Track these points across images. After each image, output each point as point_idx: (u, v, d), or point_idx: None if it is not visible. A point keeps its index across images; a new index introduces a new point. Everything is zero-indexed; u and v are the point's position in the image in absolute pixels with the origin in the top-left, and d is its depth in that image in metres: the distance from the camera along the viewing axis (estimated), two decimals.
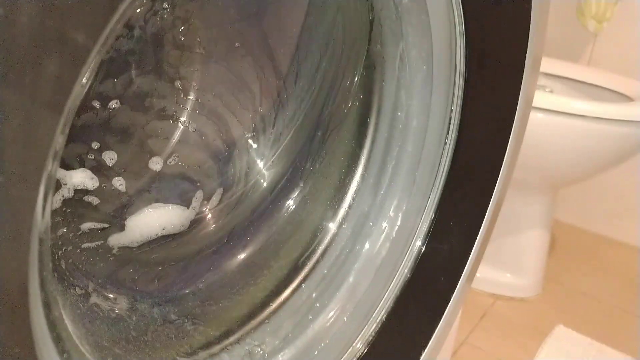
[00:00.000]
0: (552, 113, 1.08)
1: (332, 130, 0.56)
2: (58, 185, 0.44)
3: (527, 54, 0.48)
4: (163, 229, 0.51)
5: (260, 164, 0.58)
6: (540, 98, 1.08)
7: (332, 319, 0.54)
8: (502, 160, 0.53)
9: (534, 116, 1.06)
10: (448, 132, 0.50)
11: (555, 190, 1.30)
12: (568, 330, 1.21)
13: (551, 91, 1.29)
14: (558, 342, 1.18)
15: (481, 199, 0.54)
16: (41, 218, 0.26)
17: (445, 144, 0.51)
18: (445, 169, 0.51)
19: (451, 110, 0.49)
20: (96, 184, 0.46)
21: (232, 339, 0.51)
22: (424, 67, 0.48)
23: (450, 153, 0.50)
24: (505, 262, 1.32)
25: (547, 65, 1.30)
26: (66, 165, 0.44)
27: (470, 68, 0.47)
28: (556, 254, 1.52)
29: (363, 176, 0.56)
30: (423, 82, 0.49)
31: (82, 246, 0.46)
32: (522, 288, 1.33)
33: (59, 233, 0.43)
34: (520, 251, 1.32)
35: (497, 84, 0.49)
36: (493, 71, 0.48)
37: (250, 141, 0.57)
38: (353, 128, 0.55)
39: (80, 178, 0.46)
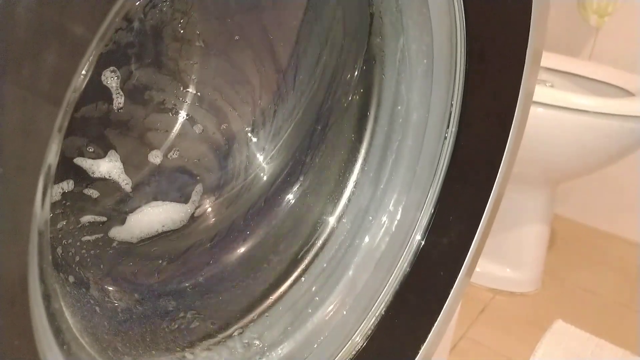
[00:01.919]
0: (552, 108, 1.07)
1: (332, 124, 0.56)
2: (84, 175, 0.44)
3: (528, 48, 0.48)
4: (163, 226, 0.51)
5: (260, 157, 0.58)
6: (541, 92, 1.08)
7: (332, 312, 0.54)
8: (503, 155, 0.52)
9: (535, 111, 1.06)
10: (448, 126, 0.50)
11: (556, 185, 1.30)
12: (567, 325, 1.21)
13: (552, 86, 1.29)
14: (557, 337, 1.18)
15: (481, 193, 0.54)
16: (40, 210, 0.26)
17: (446, 138, 0.51)
18: (446, 163, 0.51)
19: (451, 104, 0.49)
20: (122, 174, 0.46)
21: (231, 331, 0.51)
22: (425, 60, 0.48)
23: (450, 147, 0.50)
24: (505, 257, 1.32)
25: (548, 59, 1.30)
26: (65, 158, 0.44)
27: (471, 62, 0.46)
28: (556, 248, 1.52)
29: (363, 170, 0.56)
30: (423, 76, 0.49)
31: (82, 239, 0.46)
32: (522, 283, 1.34)
33: (58, 226, 0.43)
34: (520, 246, 1.32)
35: (497, 78, 0.49)
36: (493, 65, 0.48)
37: (250, 135, 0.57)
38: (353, 122, 0.55)
39: (106, 167, 0.46)
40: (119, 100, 0.45)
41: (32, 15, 0.21)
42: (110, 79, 0.45)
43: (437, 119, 0.50)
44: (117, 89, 0.45)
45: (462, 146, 0.50)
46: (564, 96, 1.08)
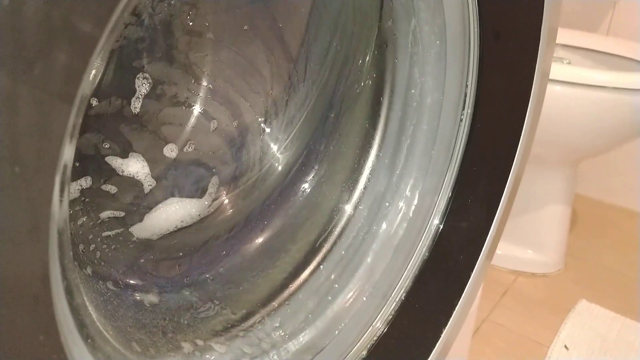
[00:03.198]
0: (570, 85, 1.05)
1: (345, 111, 0.56)
2: (101, 171, 0.45)
3: (543, 26, 0.47)
4: (182, 221, 0.52)
5: (274, 147, 0.58)
6: (558, 70, 1.06)
7: (352, 299, 0.54)
8: (520, 135, 0.52)
9: (552, 89, 1.04)
10: (464, 108, 0.49)
11: (576, 164, 1.28)
12: (591, 305, 1.20)
13: (569, 63, 1.26)
14: (582, 318, 1.17)
15: (499, 175, 0.53)
16: (59, 208, 0.27)
17: (461, 120, 0.50)
18: (462, 145, 0.51)
19: (466, 86, 0.48)
20: (148, 177, 0.47)
21: (252, 321, 0.52)
22: (437, 42, 0.48)
23: (466, 129, 0.50)
24: (526, 239, 1.30)
25: (565, 36, 1.27)
26: (82, 155, 0.44)
27: (485, 42, 0.46)
28: (578, 228, 1.50)
29: (378, 156, 0.56)
30: (437, 58, 0.49)
31: (103, 234, 0.46)
32: (544, 264, 1.32)
33: (79, 222, 0.44)
34: (541, 227, 1.30)
35: (512, 57, 0.48)
36: (508, 44, 0.47)
37: (263, 125, 0.57)
38: (366, 108, 0.55)
39: (135, 168, 0.47)
40: (136, 105, 0.45)
41: (40, 15, 0.21)
42: (142, 85, 0.45)
43: (452, 101, 0.49)
44: (130, 85, 0.45)
45: (478, 128, 0.49)
46: (582, 73, 1.06)
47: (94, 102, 0.41)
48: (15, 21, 0.21)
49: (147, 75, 0.45)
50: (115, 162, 0.47)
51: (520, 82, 0.49)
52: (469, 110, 0.49)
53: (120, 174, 0.47)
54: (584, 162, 1.32)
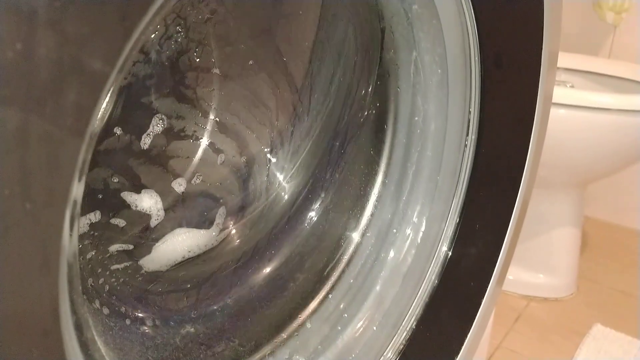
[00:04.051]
0: (574, 108, 1.06)
1: (350, 140, 0.56)
2: (109, 205, 0.46)
3: (543, 50, 0.47)
4: (189, 251, 0.52)
5: (281, 177, 0.58)
6: (561, 94, 1.07)
7: (361, 329, 0.53)
8: (525, 159, 0.52)
9: (556, 112, 1.04)
10: (467, 134, 0.50)
11: (584, 186, 1.27)
12: (606, 329, 1.18)
13: (572, 86, 1.27)
14: (597, 342, 1.14)
15: (506, 200, 0.53)
16: (69, 243, 0.27)
17: (466, 146, 0.50)
18: (467, 171, 0.51)
19: (469, 112, 0.49)
20: (161, 211, 0.48)
21: (262, 354, 0.51)
22: (439, 70, 0.48)
23: (471, 155, 0.50)
24: (537, 263, 1.29)
25: (567, 60, 1.28)
26: (91, 190, 0.45)
27: (486, 68, 0.46)
28: (589, 251, 1.48)
29: (384, 183, 0.56)
30: (439, 86, 0.49)
31: (111, 267, 0.47)
32: (556, 288, 1.30)
33: (88, 256, 0.44)
34: (551, 251, 1.29)
35: (514, 82, 0.49)
36: (509, 70, 0.48)
37: (269, 156, 0.57)
38: (371, 136, 0.55)
39: (148, 203, 0.47)
40: (146, 140, 0.46)
41: (52, 54, 0.22)
42: (156, 125, 0.46)
43: (455, 127, 0.50)
44: (139, 120, 0.46)
45: (483, 153, 0.50)
46: (585, 96, 1.07)
47: (103, 137, 0.42)
48: (28, 61, 0.21)
49: (163, 116, 0.46)
50: (130, 197, 0.47)
51: (523, 106, 0.50)
52: (473, 136, 0.49)
53: (134, 208, 0.47)
54: (592, 184, 1.32)
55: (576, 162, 1.14)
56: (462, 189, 0.52)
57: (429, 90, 0.50)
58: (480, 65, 0.46)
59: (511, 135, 0.51)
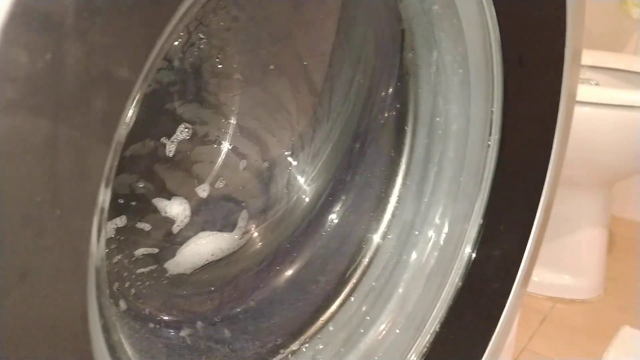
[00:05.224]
0: (599, 106, 1.04)
1: (371, 142, 0.56)
2: (151, 210, 0.47)
3: (566, 48, 0.47)
4: (212, 255, 0.52)
5: (301, 180, 0.58)
6: (586, 92, 1.05)
7: (384, 331, 0.53)
8: (549, 159, 0.51)
9: (580, 111, 1.03)
10: (490, 134, 0.49)
11: (610, 186, 1.25)
12: (635, 331, 1.15)
13: (597, 84, 1.25)
14: (625, 344, 1.12)
15: (531, 200, 0.52)
16: (96, 248, 0.28)
17: (489, 146, 0.50)
18: (491, 171, 0.51)
19: (492, 112, 0.48)
20: (187, 217, 0.49)
21: (284, 355, 0.51)
22: (460, 70, 0.48)
23: (494, 155, 0.49)
24: (563, 264, 1.27)
25: (591, 57, 1.26)
26: (118, 195, 0.45)
27: (508, 68, 0.46)
28: (616, 251, 1.45)
29: (405, 184, 0.56)
30: (460, 86, 0.49)
31: (137, 271, 0.47)
32: (583, 289, 1.28)
33: (114, 260, 0.45)
34: (578, 251, 1.27)
35: (537, 81, 0.48)
36: (532, 69, 0.47)
37: (290, 159, 0.58)
38: (391, 137, 0.55)
39: (177, 210, 0.48)
40: (170, 147, 0.47)
41: (80, 64, 0.23)
42: (180, 131, 0.47)
43: (478, 127, 0.49)
44: (162, 126, 0.47)
45: (506, 153, 0.49)
46: (610, 93, 1.05)
47: (129, 144, 0.43)
48: (57, 71, 0.22)
49: (187, 122, 0.47)
50: (160, 203, 0.48)
51: (546, 106, 0.49)
52: (496, 137, 0.49)
53: (164, 214, 0.48)
54: (618, 183, 1.29)
55: (602, 161, 1.12)
56: (485, 189, 0.51)
57: (450, 90, 0.50)
58: (503, 64, 0.45)
59: (535, 134, 0.50)
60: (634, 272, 1.38)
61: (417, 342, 0.52)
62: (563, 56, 0.47)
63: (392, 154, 0.55)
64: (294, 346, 0.52)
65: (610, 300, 1.28)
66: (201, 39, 0.47)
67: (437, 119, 0.52)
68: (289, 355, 0.52)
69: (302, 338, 0.53)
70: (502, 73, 0.46)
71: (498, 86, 0.47)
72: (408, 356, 0.51)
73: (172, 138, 0.48)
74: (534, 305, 1.26)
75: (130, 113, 0.28)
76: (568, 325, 1.21)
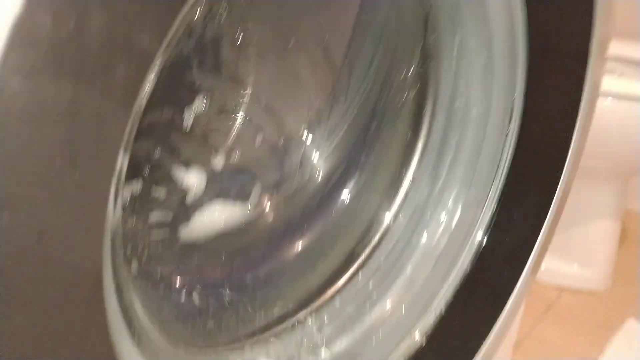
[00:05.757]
0: (621, 98, 1.02)
1: (388, 122, 0.56)
2: (163, 178, 0.48)
3: (593, 38, 0.46)
4: (225, 223, 0.53)
5: (316, 156, 0.58)
6: (609, 82, 1.03)
7: (390, 309, 0.54)
8: (569, 149, 0.51)
9: (603, 102, 1.01)
10: (510, 121, 0.49)
11: (627, 179, 1.23)
12: (638, 322, 1.15)
13: (621, 74, 1.22)
14: (628, 338, 1.12)
15: (546, 190, 0.52)
16: (113, 211, 0.28)
17: (508, 134, 0.49)
18: (508, 158, 0.50)
19: (513, 99, 0.48)
20: (203, 185, 0.50)
21: (289, 324, 0.52)
22: (484, 55, 0.47)
23: (513, 143, 0.49)
24: (572, 253, 1.26)
25: (617, 47, 1.22)
26: (135, 162, 0.46)
27: (533, 54, 0.45)
28: (627, 245, 1.44)
29: (420, 166, 0.56)
30: (483, 70, 0.48)
31: (150, 237, 0.48)
32: (591, 280, 1.28)
33: (128, 224, 0.46)
34: (588, 242, 1.26)
35: (562, 70, 0.47)
36: (557, 57, 0.46)
37: (305, 134, 0.57)
38: (409, 118, 0.55)
39: (193, 178, 0.49)
40: (188, 116, 0.48)
41: (103, 31, 0.23)
42: (198, 101, 0.47)
43: (498, 114, 0.49)
44: (181, 95, 0.47)
45: (525, 142, 0.49)
46: (633, 85, 1.02)
47: (148, 111, 0.43)
48: (81, 38, 0.22)
49: (205, 93, 0.47)
50: (178, 172, 0.49)
51: (569, 96, 0.48)
52: (516, 123, 0.48)
53: (181, 183, 0.49)
54: (635, 177, 1.27)
55: (621, 153, 1.11)
56: (501, 176, 0.51)
57: (472, 74, 0.49)
58: (527, 50, 0.45)
59: (556, 124, 0.50)
60: None
61: (422, 321, 0.52)
62: (589, 46, 0.46)
63: (409, 135, 0.55)
64: (299, 316, 0.53)
65: (618, 293, 1.28)
66: (223, 11, 0.47)
67: (457, 102, 0.52)
68: (295, 324, 0.52)
69: (308, 309, 0.53)
70: (527, 60, 0.45)
71: (521, 73, 0.46)
72: (412, 334, 0.52)
73: (190, 106, 0.48)
74: (540, 293, 1.26)
75: (151, 81, 0.28)
76: (573, 315, 1.21)
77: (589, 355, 1.08)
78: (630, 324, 1.15)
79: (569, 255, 1.27)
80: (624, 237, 1.43)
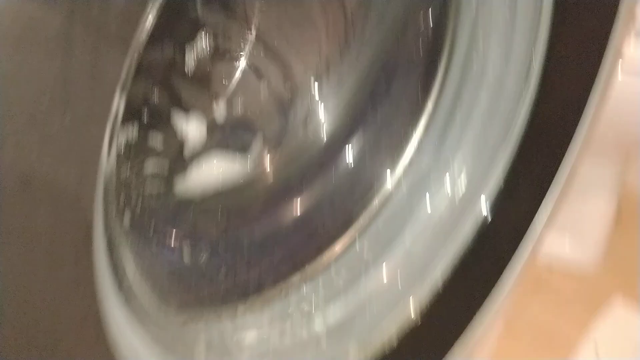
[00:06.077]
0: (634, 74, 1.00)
1: (399, 77, 0.53)
2: (164, 125, 0.45)
3: (621, 4, 0.43)
4: (223, 178, 0.51)
5: (321, 112, 0.56)
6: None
7: (385, 279, 0.53)
8: (581, 126, 0.49)
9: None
10: (526, 85, 0.46)
11: (628, 159, 1.23)
12: (628, 306, 1.17)
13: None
14: (616, 318, 1.14)
15: (555, 166, 0.50)
16: (107, 157, 0.26)
17: (523, 97, 0.47)
18: (519, 131, 0.48)
19: (531, 59, 0.45)
20: (202, 133, 0.47)
21: (285, 289, 0.51)
22: (506, 9, 0.45)
23: (527, 111, 0.47)
24: (564, 232, 1.26)
25: None
26: (131, 105, 0.44)
27: (558, 15, 0.42)
28: (622, 225, 1.45)
29: (427, 130, 0.53)
30: (504, 26, 0.46)
31: (145, 191, 0.46)
32: (581, 260, 1.29)
33: (122, 177, 0.43)
34: (582, 220, 1.26)
35: (584, 35, 0.45)
36: (581, 21, 0.44)
37: (313, 86, 0.55)
38: (421, 73, 0.52)
39: (193, 126, 0.47)
40: (190, 58, 0.45)
41: None
42: (202, 41, 0.45)
43: (514, 76, 0.47)
44: (183, 35, 0.44)
45: (540, 110, 0.47)
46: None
47: (147, 51, 0.41)
48: None
49: (209, 32, 0.44)
50: (178, 118, 0.46)
51: (590, 58, 0.46)
52: (532, 88, 0.46)
53: (180, 129, 0.47)
54: (636, 160, 1.26)
55: (622, 127, 1.09)
56: (510, 149, 0.49)
57: (492, 28, 0.46)
58: (553, 9, 0.42)
59: (572, 94, 0.48)
60: (636, 248, 1.38)
61: (418, 293, 0.51)
62: (616, 12, 0.44)
63: (418, 94, 0.52)
64: (294, 280, 0.52)
65: (608, 275, 1.29)
66: None
67: (473, 59, 0.49)
68: (290, 290, 0.51)
69: (303, 274, 0.52)
70: (551, 20, 0.42)
71: (543, 34, 0.43)
72: (407, 305, 0.51)
73: (193, 47, 0.45)
74: (530, 273, 1.27)
75: (151, 16, 0.25)
76: (562, 293, 1.22)
77: (578, 334, 1.10)
78: (619, 304, 1.17)
79: (561, 233, 1.27)
80: (618, 219, 1.44)
